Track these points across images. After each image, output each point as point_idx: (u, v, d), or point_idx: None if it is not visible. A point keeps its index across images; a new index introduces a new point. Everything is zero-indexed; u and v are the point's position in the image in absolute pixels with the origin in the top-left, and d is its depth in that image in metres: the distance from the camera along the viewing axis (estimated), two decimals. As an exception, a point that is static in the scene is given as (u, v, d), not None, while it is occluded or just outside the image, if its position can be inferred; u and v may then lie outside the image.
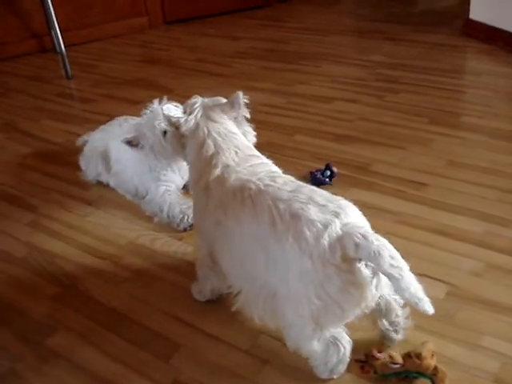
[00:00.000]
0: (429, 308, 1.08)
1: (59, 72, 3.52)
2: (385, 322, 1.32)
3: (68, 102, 3.04)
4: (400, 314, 1.32)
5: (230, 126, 1.46)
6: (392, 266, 1.06)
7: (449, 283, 1.52)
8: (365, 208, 1.82)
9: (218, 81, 3.13)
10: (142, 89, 3.09)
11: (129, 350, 1.43)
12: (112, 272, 1.71)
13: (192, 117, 1.46)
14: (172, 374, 1.35)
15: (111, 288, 1.64)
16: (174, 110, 1.49)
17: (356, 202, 1.87)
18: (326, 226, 1.12)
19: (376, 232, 1.14)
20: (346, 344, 1.25)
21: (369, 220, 1.68)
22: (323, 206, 1.16)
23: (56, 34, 3.49)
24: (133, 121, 2.15)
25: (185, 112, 1.49)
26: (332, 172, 2.01)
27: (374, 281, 1.15)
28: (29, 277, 1.72)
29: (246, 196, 1.27)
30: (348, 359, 1.27)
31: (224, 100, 1.52)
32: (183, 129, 1.47)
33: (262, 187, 1.26)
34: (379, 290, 1.18)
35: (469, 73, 3.07)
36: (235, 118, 1.50)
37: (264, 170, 1.35)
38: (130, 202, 2.05)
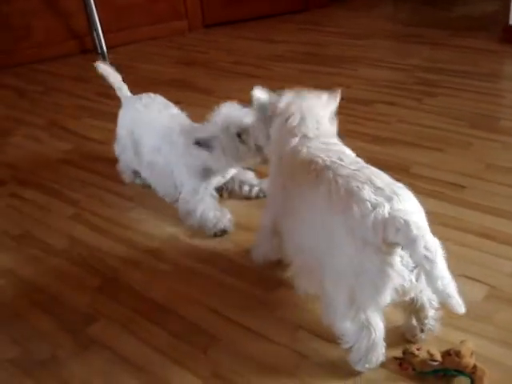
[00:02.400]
0: (459, 307, 1.09)
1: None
2: (413, 318, 1.34)
3: (107, 101, 3.07)
4: (430, 315, 1.33)
5: (320, 107, 1.50)
6: (425, 256, 1.08)
7: (488, 284, 1.51)
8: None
9: (257, 83, 3.09)
10: (180, 90, 3.13)
11: (168, 340, 1.45)
12: (152, 265, 1.74)
13: (287, 96, 1.50)
14: (211, 366, 1.37)
15: (151, 280, 1.67)
16: (264, 93, 1.54)
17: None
18: (374, 207, 1.15)
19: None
20: (379, 330, 1.25)
21: None
22: (379, 188, 1.19)
23: (98, 35, 3.57)
24: (161, 100, 2.15)
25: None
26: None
27: (415, 271, 1.16)
28: (71, 268, 1.76)
29: (312, 168, 1.33)
30: (381, 349, 1.27)
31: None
32: (278, 107, 1.48)
33: (328, 163, 1.31)
34: (420, 281, 1.19)
35: (508, 78, 3.04)
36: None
37: (336, 149, 1.40)
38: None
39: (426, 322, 1.33)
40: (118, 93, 2.23)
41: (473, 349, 1.25)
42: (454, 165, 2.11)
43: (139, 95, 2.18)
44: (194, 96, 3.02)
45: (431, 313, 1.33)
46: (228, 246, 1.79)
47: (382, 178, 1.24)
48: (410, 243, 1.10)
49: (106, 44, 3.53)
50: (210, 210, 1.89)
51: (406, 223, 1.11)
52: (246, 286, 1.59)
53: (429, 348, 1.27)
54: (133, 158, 2.12)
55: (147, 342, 1.45)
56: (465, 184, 1.98)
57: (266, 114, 1.53)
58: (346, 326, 1.25)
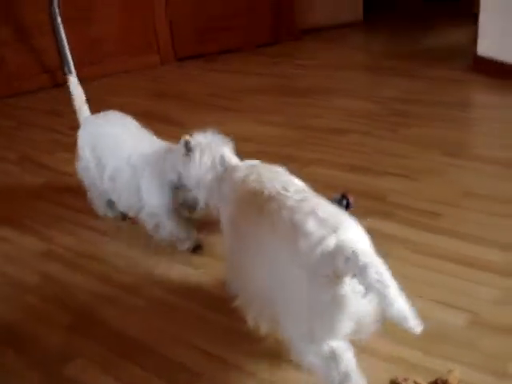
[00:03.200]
0: (416, 327, 1.07)
1: (72, 106, 3.54)
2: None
3: (80, 135, 3.05)
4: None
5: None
6: (378, 281, 1.07)
7: (470, 311, 1.50)
8: (382, 237, 1.84)
9: (230, 115, 3.16)
10: (153, 122, 3.08)
11: (148, 380, 1.41)
12: (129, 301, 1.69)
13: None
14: (192, 404, 1.33)
15: (128, 317, 1.62)
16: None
17: (373, 232, 1.88)
18: (321, 239, 1.15)
19: (385, 256, 1.15)
20: (347, 360, 1.20)
21: (387, 249, 1.69)
22: (324, 219, 1.19)
23: (69, 68, 3.53)
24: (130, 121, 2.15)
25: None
26: (348, 201, 2.00)
27: (368, 297, 1.13)
28: (44, 305, 1.71)
29: (258, 200, 1.34)
30: (356, 379, 1.20)
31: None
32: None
33: (273, 194, 1.32)
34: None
35: (479, 106, 3.10)
36: None
37: (281, 179, 1.41)
38: (144, 231, 2.02)
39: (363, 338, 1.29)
40: (78, 113, 2.25)
41: (460, 377, 1.24)
42: (430, 193, 2.12)
43: (100, 113, 2.21)
44: (165, 128, 3.00)
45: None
46: (205, 278, 1.75)
47: (325, 209, 1.24)
48: (361, 271, 1.09)
49: (77, 77, 3.50)
50: (180, 224, 1.90)
51: (354, 252, 1.11)
52: (226, 319, 1.56)
53: (415, 378, 1.25)
54: (96, 173, 2.09)
55: (127, 382, 1.41)
56: (441, 212, 1.98)
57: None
58: (310, 360, 1.22)
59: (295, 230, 1.19)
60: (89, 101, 3.52)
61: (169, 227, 1.91)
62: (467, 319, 1.48)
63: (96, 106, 3.37)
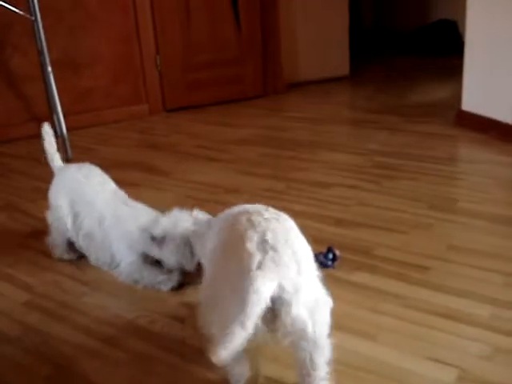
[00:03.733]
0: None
1: (59, 154, 3.55)
2: (304, 379, 1.35)
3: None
4: (313, 375, 1.33)
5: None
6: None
7: (458, 367, 1.48)
8: (369, 291, 1.83)
9: (217, 166, 3.17)
10: (140, 172, 3.12)
11: None
12: (110, 354, 1.65)
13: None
14: None
15: (109, 370, 1.58)
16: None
17: (360, 285, 1.88)
18: (250, 256, 1.21)
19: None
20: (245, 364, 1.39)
21: (374, 303, 1.69)
22: (265, 240, 1.24)
23: (58, 118, 3.55)
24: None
25: None
26: (334, 255, 2.00)
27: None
28: (23, 357, 1.66)
29: (226, 236, 1.38)
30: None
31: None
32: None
33: (240, 226, 1.33)
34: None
35: (464, 161, 3.13)
36: None
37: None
38: (126, 283, 2.02)
39: (309, 380, 1.34)
40: (50, 162, 2.28)
41: None
42: (416, 246, 2.12)
43: (76, 164, 2.25)
44: (152, 179, 3.02)
45: (315, 373, 1.33)
46: (189, 332, 1.72)
47: (277, 233, 1.27)
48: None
49: (66, 127, 3.52)
50: (156, 273, 1.97)
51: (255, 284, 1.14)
52: (213, 375, 1.52)
53: None
54: (69, 228, 2.14)
55: None
56: (428, 265, 1.98)
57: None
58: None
59: (239, 241, 1.25)
60: (77, 149, 3.57)
61: (147, 277, 1.98)
62: (456, 375, 1.45)
63: (84, 155, 3.41)
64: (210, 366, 1.52)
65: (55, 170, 2.27)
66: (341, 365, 1.51)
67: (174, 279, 1.95)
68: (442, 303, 1.76)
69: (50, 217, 2.21)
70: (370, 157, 3.13)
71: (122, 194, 2.17)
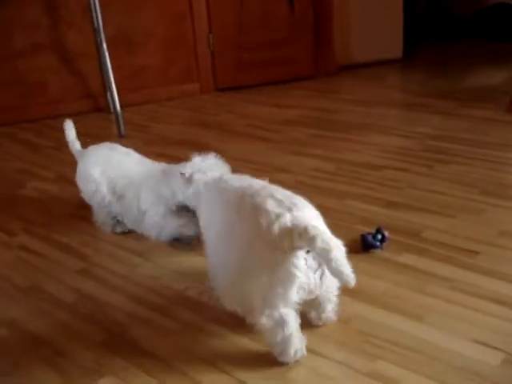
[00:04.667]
0: (349, 280, 1.27)
1: (112, 131, 3.64)
2: (312, 311, 1.56)
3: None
4: (328, 309, 1.55)
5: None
6: (323, 248, 1.27)
7: (504, 351, 1.47)
8: (417, 273, 1.83)
9: (267, 146, 3.19)
10: (192, 149, 3.14)
11: (176, 399, 1.41)
12: (160, 322, 1.71)
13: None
14: (219, 427, 1.33)
15: (159, 338, 1.63)
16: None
17: (408, 267, 1.88)
18: (278, 216, 1.37)
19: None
20: (292, 327, 1.42)
21: (422, 285, 1.72)
22: (280, 200, 1.41)
23: (112, 94, 3.63)
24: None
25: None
26: (383, 236, 2.00)
27: (319, 271, 1.39)
28: (78, 323, 1.73)
29: (226, 195, 1.60)
30: (298, 343, 1.45)
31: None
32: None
33: (237, 185, 1.59)
34: (324, 280, 1.41)
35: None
36: None
37: (247, 180, 1.64)
38: (178, 254, 2.07)
39: (323, 315, 1.56)
40: (71, 147, 2.42)
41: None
42: (466, 231, 2.10)
43: (96, 145, 2.37)
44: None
45: (330, 306, 1.55)
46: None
47: (282, 193, 1.47)
48: (310, 243, 1.29)
49: (119, 103, 3.59)
50: (178, 219, 2.09)
51: (305, 227, 1.31)
52: (258, 346, 1.55)
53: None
54: (106, 196, 2.24)
55: (154, 401, 1.42)
56: (478, 250, 1.97)
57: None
58: (262, 322, 1.42)
59: (256, 210, 1.42)
60: (130, 126, 3.64)
61: (170, 224, 2.09)
62: (501, 358, 1.45)
63: (137, 132, 3.47)
64: (253, 336, 1.57)
65: (77, 154, 2.40)
66: (388, 343, 1.53)
67: (197, 223, 1.99)
68: (490, 288, 1.75)
69: (87, 196, 2.31)
70: (422, 140, 3.10)
71: (148, 160, 2.31)
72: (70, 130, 2.43)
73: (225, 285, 1.57)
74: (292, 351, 1.44)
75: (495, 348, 1.49)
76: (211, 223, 1.65)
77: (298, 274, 1.36)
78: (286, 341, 1.43)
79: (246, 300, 1.46)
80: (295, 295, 1.39)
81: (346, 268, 1.27)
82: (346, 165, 2.82)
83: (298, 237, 1.31)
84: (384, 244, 2.01)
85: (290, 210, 1.38)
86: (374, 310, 1.68)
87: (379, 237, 2.00)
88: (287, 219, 1.35)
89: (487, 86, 4.24)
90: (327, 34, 4.74)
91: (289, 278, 1.36)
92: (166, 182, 2.07)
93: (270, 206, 1.40)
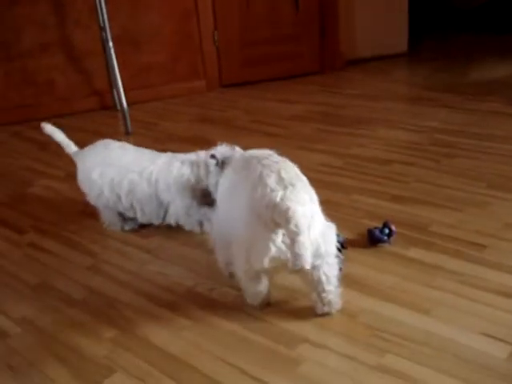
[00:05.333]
0: (304, 263, 1.41)
1: (119, 128, 3.66)
2: (314, 294, 1.63)
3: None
4: (328, 289, 1.60)
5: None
6: (293, 232, 1.41)
7: (511, 343, 1.49)
8: (425, 266, 1.84)
9: (274, 141, 3.20)
10: (198, 146, 3.16)
11: (187, 394, 1.43)
12: (170, 319, 1.72)
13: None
14: (230, 421, 1.34)
15: (170, 334, 1.65)
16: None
17: (415, 261, 1.89)
18: (271, 191, 1.47)
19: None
20: (263, 285, 1.65)
21: (429, 278, 1.73)
22: (282, 178, 1.50)
23: (119, 92, 3.64)
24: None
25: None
26: (390, 230, 2.01)
27: (293, 247, 1.43)
28: (88, 319, 1.75)
29: (245, 159, 1.71)
30: (265, 297, 1.69)
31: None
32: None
33: (257, 154, 1.69)
34: (298, 257, 1.43)
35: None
36: None
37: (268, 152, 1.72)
38: (187, 251, 2.09)
39: (324, 295, 1.60)
40: (67, 149, 2.36)
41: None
42: (473, 224, 2.11)
43: (93, 144, 2.34)
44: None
45: (328, 287, 1.59)
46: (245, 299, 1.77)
47: (289, 171, 1.54)
48: (285, 223, 1.41)
49: (126, 101, 3.61)
50: (200, 209, 2.16)
51: (287, 208, 1.42)
52: (268, 341, 1.57)
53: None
54: (110, 195, 2.23)
55: (165, 396, 1.43)
56: (485, 243, 1.97)
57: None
58: (241, 277, 1.64)
59: (259, 180, 1.52)
60: (137, 123, 3.65)
61: (194, 214, 2.16)
62: (509, 351, 1.46)
63: (143, 129, 3.48)
64: (268, 334, 1.58)
65: (74, 156, 2.36)
66: (396, 337, 1.54)
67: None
68: (498, 281, 1.75)
69: (92, 199, 2.30)
70: (429, 134, 3.10)
71: (145, 150, 2.31)
72: (55, 133, 2.36)
73: (221, 243, 1.76)
74: (260, 301, 1.69)
75: (502, 341, 1.50)
76: (225, 183, 1.78)
77: (272, 247, 1.48)
78: (256, 293, 1.67)
79: (231, 252, 1.63)
80: (267, 263, 1.51)
81: (306, 252, 1.41)
82: (352, 159, 2.82)
83: (277, 214, 1.43)
84: (391, 238, 2.01)
85: (285, 188, 1.47)
86: (382, 304, 1.69)
87: (386, 231, 2.01)
88: (278, 196, 1.45)
89: (493, 79, 4.23)
90: (332, 29, 4.74)
91: (264, 249, 1.48)
92: (190, 169, 2.15)
93: (271, 180, 1.50)
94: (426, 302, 1.68)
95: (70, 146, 2.37)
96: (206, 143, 3.20)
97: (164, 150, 2.33)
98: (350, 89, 4.29)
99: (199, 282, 1.89)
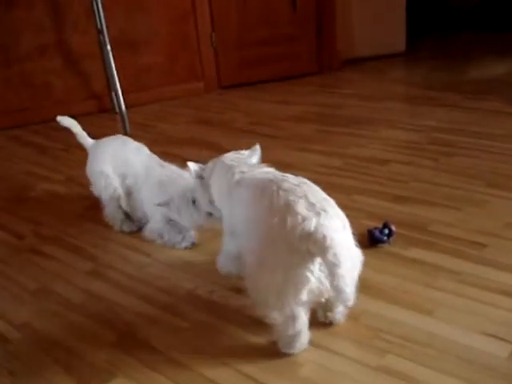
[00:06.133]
0: (348, 301, 1.34)
1: (118, 131, 3.64)
2: (320, 311, 1.58)
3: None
4: (336, 310, 1.58)
5: (243, 158, 1.83)
6: (332, 262, 1.30)
7: (512, 343, 1.48)
8: (425, 266, 1.84)
9: (272, 142, 3.19)
10: (196, 148, 3.17)
11: (188, 398, 1.42)
12: (171, 322, 1.72)
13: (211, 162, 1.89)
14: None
15: (170, 337, 1.64)
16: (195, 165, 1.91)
17: (416, 261, 1.88)
18: (304, 219, 1.36)
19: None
20: (301, 323, 1.47)
21: (431, 279, 1.75)
22: (312, 204, 1.40)
23: (117, 95, 3.64)
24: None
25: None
26: (390, 230, 2.01)
27: (333, 280, 1.33)
28: (88, 323, 1.75)
29: (259, 185, 1.57)
30: (304, 338, 1.50)
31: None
32: (205, 171, 1.88)
33: (272, 177, 1.56)
34: (340, 292, 1.35)
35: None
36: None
37: (275, 172, 1.65)
38: (187, 254, 2.09)
39: (330, 314, 1.58)
40: (82, 141, 2.43)
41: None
42: (473, 223, 2.10)
43: (108, 137, 2.40)
44: (208, 154, 3.05)
45: (339, 308, 1.57)
46: (247, 302, 1.76)
47: (316, 195, 1.44)
48: (322, 253, 1.31)
49: (124, 104, 3.61)
50: (175, 233, 2.14)
51: (324, 237, 1.32)
52: (269, 344, 1.56)
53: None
54: (118, 188, 2.27)
55: (166, 400, 1.43)
56: (484, 242, 1.97)
57: (203, 180, 1.88)
58: (273, 317, 1.46)
59: (287, 208, 1.40)
60: (135, 126, 3.65)
61: (167, 236, 2.16)
62: (510, 350, 1.46)
63: (142, 132, 3.48)
64: (267, 335, 1.58)
65: (88, 147, 2.41)
66: (398, 338, 1.53)
67: (189, 240, 2.12)
68: (498, 280, 1.75)
69: (98, 189, 2.31)
70: (428, 134, 3.10)
71: (156, 157, 2.31)
72: (73, 126, 2.44)
73: (248, 269, 1.59)
74: (298, 345, 1.50)
75: (504, 340, 1.49)
76: (242, 208, 1.64)
77: (312, 278, 1.38)
78: (295, 336, 1.48)
79: (261, 291, 1.48)
80: (306, 296, 1.41)
81: (348, 288, 1.32)
82: (351, 160, 2.82)
83: (313, 243, 1.33)
84: (391, 238, 2.01)
85: (318, 215, 1.37)
86: (384, 305, 1.68)
87: (386, 231, 2.01)
88: (312, 224, 1.35)
89: (491, 77, 4.23)
90: (330, 30, 4.74)
91: (302, 281, 1.38)
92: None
93: (301, 207, 1.39)
94: (427, 302, 1.67)
95: (86, 139, 2.43)
96: (205, 145, 3.21)
97: (162, 152, 2.33)
98: (348, 89, 4.29)
99: (199, 284, 1.89)
